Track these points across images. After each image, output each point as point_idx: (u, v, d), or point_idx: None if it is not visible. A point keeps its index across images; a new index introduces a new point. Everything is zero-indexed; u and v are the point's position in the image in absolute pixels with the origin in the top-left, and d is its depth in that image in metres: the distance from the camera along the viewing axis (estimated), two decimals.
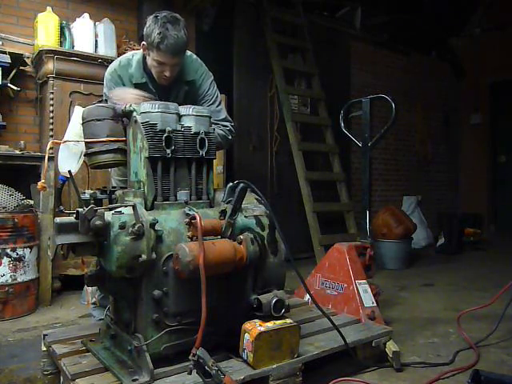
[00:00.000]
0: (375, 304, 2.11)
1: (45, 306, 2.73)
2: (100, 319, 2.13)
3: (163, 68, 1.93)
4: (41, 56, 2.99)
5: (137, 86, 2.01)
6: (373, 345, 1.84)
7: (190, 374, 1.33)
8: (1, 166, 2.63)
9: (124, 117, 1.67)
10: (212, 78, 2.16)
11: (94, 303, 2.29)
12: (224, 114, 2.18)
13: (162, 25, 1.83)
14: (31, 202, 2.71)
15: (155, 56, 1.90)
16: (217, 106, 2.14)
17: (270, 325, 1.51)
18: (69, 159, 1.70)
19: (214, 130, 1.73)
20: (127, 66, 2.04)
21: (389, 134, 5.21)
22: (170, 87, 2.05)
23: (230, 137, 2.16)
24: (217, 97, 2.16)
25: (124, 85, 2.02)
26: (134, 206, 1.39)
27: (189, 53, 2.12)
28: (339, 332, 1.72)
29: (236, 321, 1.55)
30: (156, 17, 1.87)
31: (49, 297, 2.77)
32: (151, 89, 2.02)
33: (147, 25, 1.90)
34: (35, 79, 3.22)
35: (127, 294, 1.50)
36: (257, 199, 1.74)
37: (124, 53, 3.40)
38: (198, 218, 1.40)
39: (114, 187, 2.02)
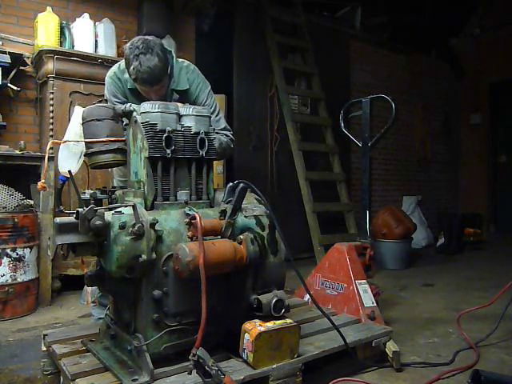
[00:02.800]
0: (375, 304, 2.11)
1: (45, 306, 2.73)
2: (99, 318, 2.13)
3: (149, 94, 1.96)
4: (41, 56, 2.99)
5: (132, 90, 2.05)
6: (373, 345, 1.84)
7: (189, 373, 1.33)
8: (1, 166, 2.63)
9: (124, 117, 1.67)
10: (209, 88, 2.17)
11: (93, 302, 2.29)
12: (224, 123, 2.21)
13: (135, 58, 1.84)
14: (31, 202, 2.71)
15: (137, 86, 1.95)
16: (216, 116, 2.16)
17: (270, 325, 1.51)
18: (69, 159, 1.70)
19: (214, 129, 1.73)
20: (125, 71, 2.05)
21: (389, 134, 5.20)
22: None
23: (232, 145, 2.19)
24: (215, 107, 2.18)
25: (123, 87, 2.07)
26: (134, 206, 1.39)
27: (186, 63, 2.15)
28: (339, 332, 1.71)
29: (236, 321, 1.55)
30: (130, 48, 1.87)
31: (49, 297, 2.77)
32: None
33: (125, 54, 1.91)
34: (35, 79, 3.22)
35: (127, 293, 1.50)
36: (257, 199, 1.74)
37: (124, 53, 3.41)
38: (198, 218, 1.40)
39: (115, 187, 2.02)
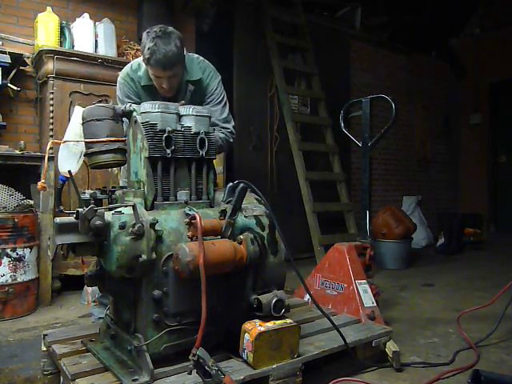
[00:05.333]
0: (375, 304, 2.11)
1: (45, 306, 2.73)
2: (99, 318, 2.14)
3: (160, 81, 1.98)
4: (41, 56, 2.99)
5: (145, 87, 2.07)
6: (373, 345, 1.84)
7: (189, 373, 1.33)
8: (1, 166, 2.63)
9: (124, 117, 1.67)
10: (220, 78, 2.21)
11: (94, 301, 2.29)
12: (226, 113, 2.22)
13: (152, 40, 1.87)
14: (31, 202, 2.71)
15: (149, 70, 1.97)
16: (222, 106, 2.19)
17: (270, 325, 1.51)
18: (69, 159, 1.70)
19: (214, 130, 1.73)
20: (137, 70, 2.10)
21: (389, 134, 5.20)
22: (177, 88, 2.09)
23: (231, 139, 2.21)
24: (223, 97, 2.21)
25: (136, 87, 2.09)
26: (133, 206, 1.39)
27: (195, 55, 2.19)
28: (339, 332, 1.71)
29: (236, 321, 1.55)
30: (148, 33, 1.91)
31: (49, 297, 2.77)
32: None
33: (142, 40, 1.95)
34: (35, 79, 3.22)
35: (127, 293, 1.50)
36: (257, 199, 1.74)
37: (124, 53, 3.43)
38: (198, 218, 1.40)
39: (114, 187, 2.03)
